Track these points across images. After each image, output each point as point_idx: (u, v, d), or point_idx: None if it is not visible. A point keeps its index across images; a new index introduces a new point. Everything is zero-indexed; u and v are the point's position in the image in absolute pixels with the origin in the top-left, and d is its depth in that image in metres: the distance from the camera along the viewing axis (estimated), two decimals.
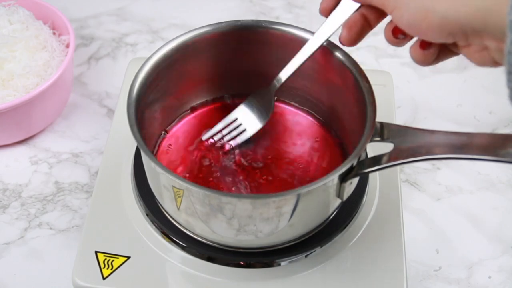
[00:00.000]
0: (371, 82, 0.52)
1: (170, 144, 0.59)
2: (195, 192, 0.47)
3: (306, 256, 0.54)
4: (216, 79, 0.60)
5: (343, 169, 0.47)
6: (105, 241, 0.55)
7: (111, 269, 0.53)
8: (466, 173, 0.69)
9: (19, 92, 0.67)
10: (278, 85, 0.55)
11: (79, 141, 0.72)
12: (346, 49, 0.55)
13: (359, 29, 0.49)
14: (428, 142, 0.47)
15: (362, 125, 0.49)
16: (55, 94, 0.69)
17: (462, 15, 0.40)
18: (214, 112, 0.61)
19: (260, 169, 0.57)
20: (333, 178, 0.47)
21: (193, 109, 0.62)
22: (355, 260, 0.55)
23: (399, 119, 0.73)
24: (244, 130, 0.57)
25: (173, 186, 0.48)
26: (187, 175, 0.56)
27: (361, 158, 0.50)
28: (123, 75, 0.68)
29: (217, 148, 0.58)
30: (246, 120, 0.57)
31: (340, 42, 0.51)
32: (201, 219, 0.50)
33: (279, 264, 0.54)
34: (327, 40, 0.53)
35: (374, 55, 0.82)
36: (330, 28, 0.51)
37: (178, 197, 0.49)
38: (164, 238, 0.55)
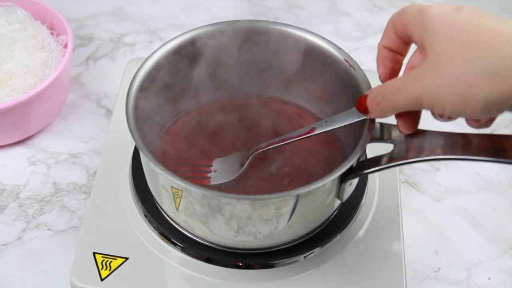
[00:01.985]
0: (371, 82, 0.52)
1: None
2: (194, 193, 0.47)
3: (305, 257, 0.54)
4: (215, 79, 0.60)
5: (342, 169, 0.47)
6: (103, 242, 0.55)
7: (109, 270, 0.53)
8: (466, 174, 0.69)
9: (17, 92, 0.66)
10: (254, 153, 0.54)
11: (77, 141, 0.72)
12: (346, 49, 0.55)
13: (411, 116, 0.47)
14: (428, 142, 0.47)
15: (362, 125, 0.49)
16: (53, 94, 0.69)
17: (505, 94, 0.38)
18: (213, 112, 0.61)
19: (258, 169, 0.57)
20: (333, 179, 0.47)
21: (192, 109, 0.61)
22: (354, 261, 0.54)
23: None
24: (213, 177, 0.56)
25: (172, 187, 0.48)
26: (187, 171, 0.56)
27: (361, 159, 0.50)
28: (121, 75, 0.68)
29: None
30: (220, 169, 0.56)
31: (400, 131, 0.48)
32: (200, 220, 0.50)
33: (278, 266, 0.54)
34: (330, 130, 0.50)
35: (374, 55, 0.81)
36: (327, 127, 0.50)
37: (177, 197, 0.49)
38: (162, 239, 0.55)
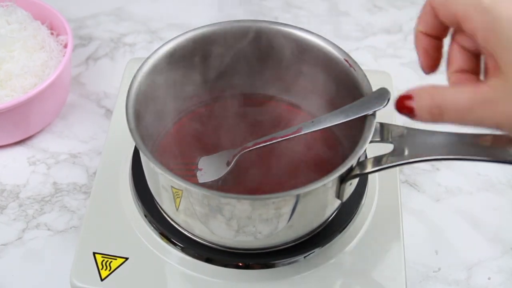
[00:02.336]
0: (371, 82, 0.52)
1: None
2: (194, 193, 0.47)
3: (305, 258, 0.54)
4: (215, 79, 0.60)
5: (342, 169, 0.47)
6: (103, 242, 0.55)
7: (109, 270, 0.53)
8: (466, 174, 0.69)
9: (17, 92, 0.66)
10: (240, 152, 0.54)
11: (77, 141, 0.72)
12: (346, 49, 0.55)
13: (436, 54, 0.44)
14: (428, 143, 0.47)
15: (362, 125, 0.49)
16: (53, 94, 0.69)
17: None
18: (213, 112, 0.61)
19: (258, 169, 0.57)
20: (333, 179, 0.47)
21: (192, 109, 0.61)
22: (354, 261, 0.54)
23: (399, 120, 0.73)
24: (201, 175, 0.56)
25: (172, 187, 0.48)
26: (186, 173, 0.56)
27: (361, 159, 0.50)
28: (121, 76, 0.68)
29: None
30: (206, 167, 0.56)
31: (423, 69, 0.45)
32: (200, 220, 0.50)
33: (278, 266, 0.54)
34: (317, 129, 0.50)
35: (373, 55, 0.82)
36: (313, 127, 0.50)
37: (177, 197, 0.49)
38: (162, 239, 0.55)
